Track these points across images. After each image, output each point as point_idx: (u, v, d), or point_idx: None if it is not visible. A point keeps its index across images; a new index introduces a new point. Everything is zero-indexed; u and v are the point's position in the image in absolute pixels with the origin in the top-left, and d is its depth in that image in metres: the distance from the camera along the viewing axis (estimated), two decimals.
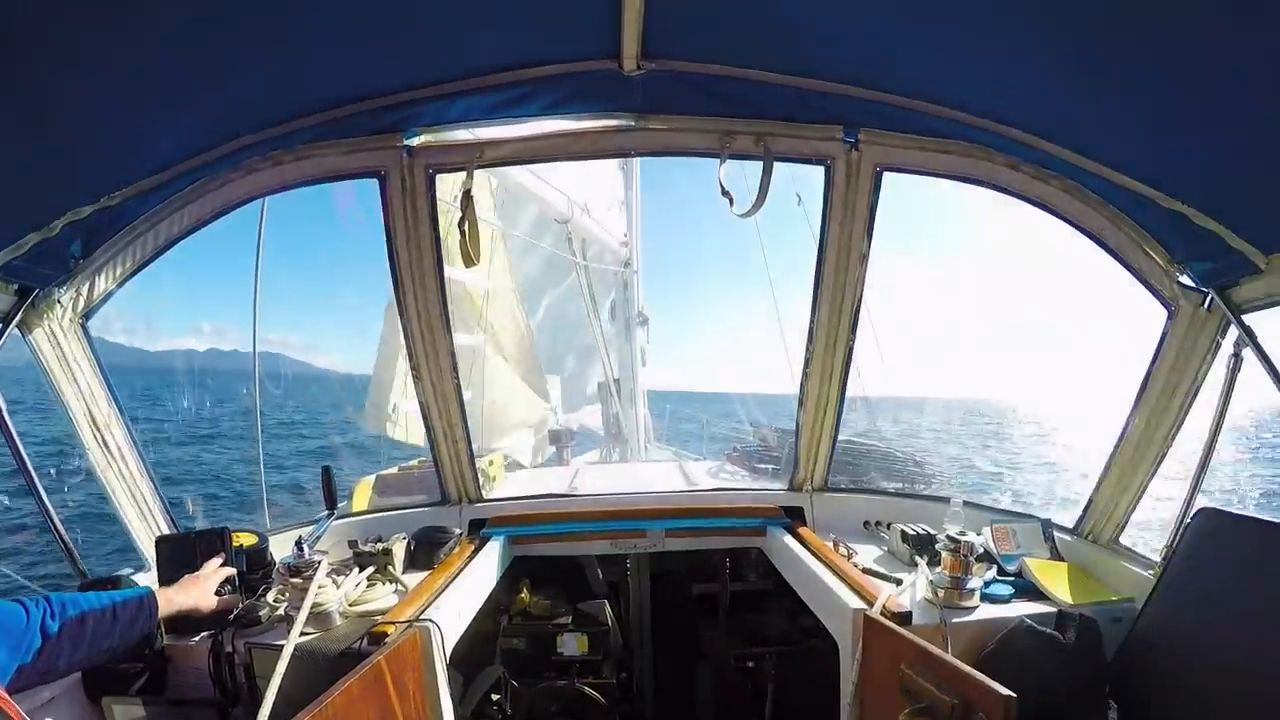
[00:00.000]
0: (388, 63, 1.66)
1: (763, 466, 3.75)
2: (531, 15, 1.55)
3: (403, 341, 2.44)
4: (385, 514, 2.71)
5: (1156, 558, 1.95)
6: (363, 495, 4.07)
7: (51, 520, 1.97)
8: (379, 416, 5.76)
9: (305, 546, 1.90)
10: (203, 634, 1.77)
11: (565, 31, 1.63)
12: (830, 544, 2.34)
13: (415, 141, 2.09)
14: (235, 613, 1.80)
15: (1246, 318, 1.83)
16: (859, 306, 2.37)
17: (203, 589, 1.75)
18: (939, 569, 1.92)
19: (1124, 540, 2.17)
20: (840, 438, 2.72)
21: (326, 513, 2.19)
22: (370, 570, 2.09)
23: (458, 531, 2.48)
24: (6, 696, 1.14)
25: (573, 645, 2.65)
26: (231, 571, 1.81)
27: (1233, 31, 1.12)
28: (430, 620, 1.71)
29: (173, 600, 1.66)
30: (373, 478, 4.27)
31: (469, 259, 2.15)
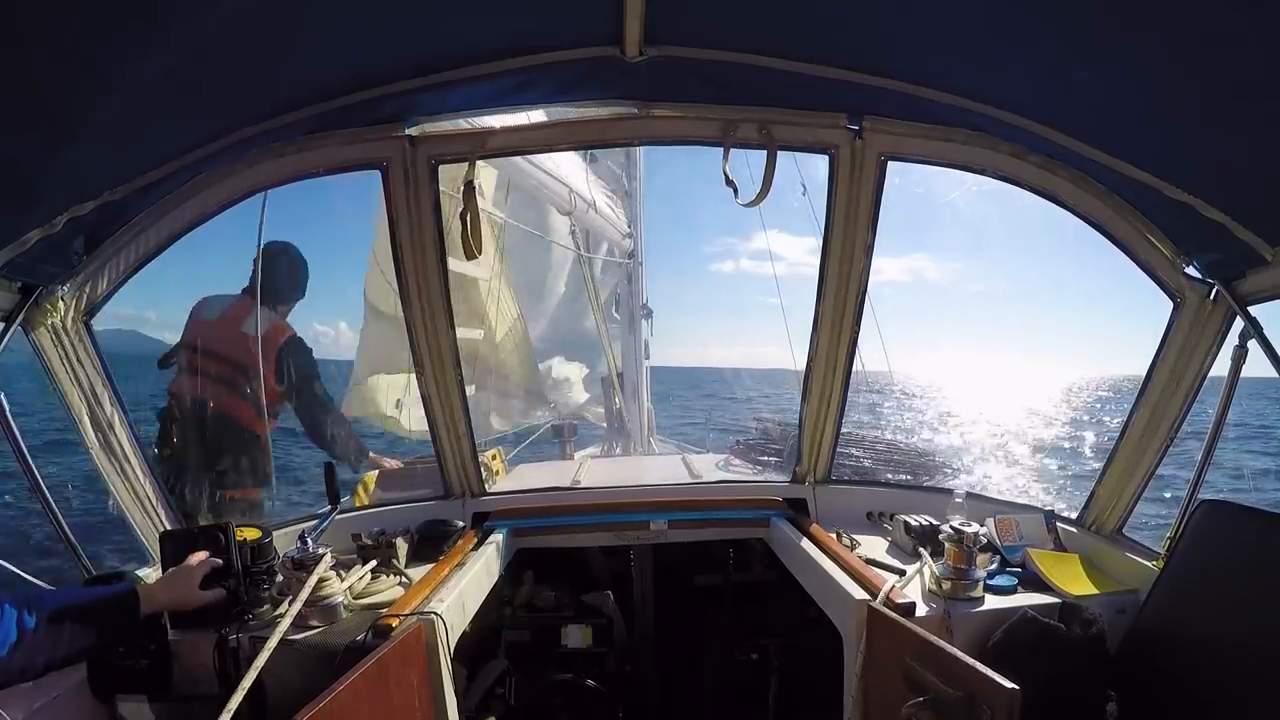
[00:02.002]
0: (387, 50, 1.65)
1: (766, 459, 3.75)
2: (533, 1, 1.53)
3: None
4: (388, 508, 2.71)
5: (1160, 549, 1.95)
6: (366, 490, 4.08)
7: (55, 517, 1.97)
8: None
9: (309, 540, 1.90)
10: (207, 629, 1.77)
11: (567, 17, 1.62)
12: (834, 536, 2.34)
13: (416, 131, 2.08)
14: (239, 607, 1.81)
15: (1252, 309, 1.83)
16: (863, 298, 2.35)
17: (187, 584, 1.70)
18: (943, 560, 1.92)
19: (1127, 531, 2.17)
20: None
21: (330, 507, 2.19)
22: (374, 563, 2.09)
23: (461, 525, 2.48)
24: None
25: (577, 637, 2.65)
26: (218, 562, 1.78)
27: (1244, 20, 1.11)
28: (434, 613, 1.72)
29: (156, 598, 1.63)
30: (375, 472, 4.28)
31: (470, 252, 2.14)
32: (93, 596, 1.56)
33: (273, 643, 1.50)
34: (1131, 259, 2.01)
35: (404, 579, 2.07)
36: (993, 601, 1.87)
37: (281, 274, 3.28)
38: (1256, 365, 1.88)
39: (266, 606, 1.87)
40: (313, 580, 1.78)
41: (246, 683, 1.37)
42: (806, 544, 2.27)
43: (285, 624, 1.60)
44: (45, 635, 1.39)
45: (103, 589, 1.62)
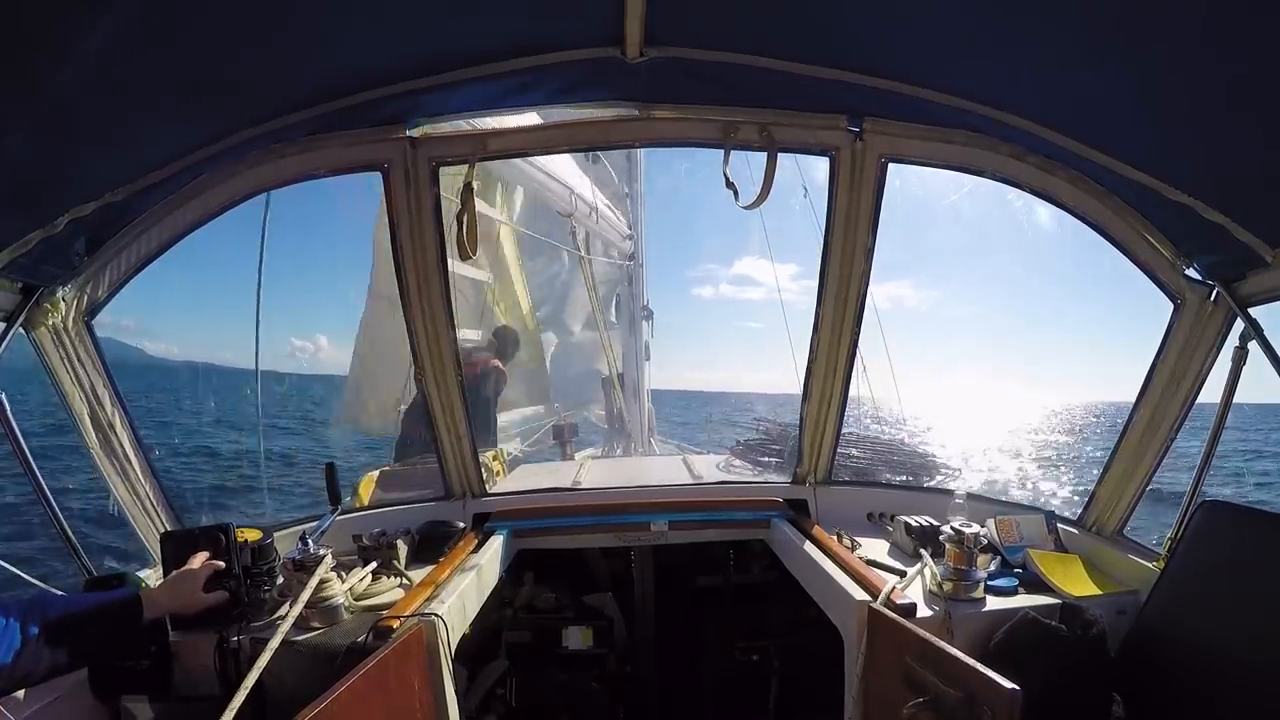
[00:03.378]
0: (388, 51, 1.65)
1: (766, 460, 3.75)
2: (534, 1, 1.54)
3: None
4: (389, 509, 2.71)
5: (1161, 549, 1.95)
6: (366, 491, 4.09)
7: (56, 518, 1.97)
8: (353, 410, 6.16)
9: (310, 541, 1.90)
10: (208, 630, 1.77)
11: (568, 18, 1.62)
12: (834, 537, 2.34)
13: (417, 133, 2.09)
14: (240, 608, 1.80)
15: (1253, 311, 1.83)
16: (864, 300, 2.36)
17: (190, 587, 1.70)
18: (943, 561, 1.92)
19: (1127, 532, 2.17)
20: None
21: (331, 508, 2.19)
22: (375, 564, 2.09)
23: (462, 526, 2.48)
24: None
25: (577, 638, 2.65)
26: (220, 565, 1.78)
27: (1244, 21, 1.11)
28: (435, 615, 1.72)
29: (159, 602, 1.63)
30: (376, 473, 4.28)
31: (465, 253, 2.15)
32: (96, 603, 1.56)
33: (275, 643, 1.50)
34: (1131, 260, 2.01)
35: (405, 580, 2.07)
36: (993, 602, 1.87)
37: (508, 344, 5.73)
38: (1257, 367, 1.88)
39: (269, 606, 1.87)
40: (314, 581, 1.78)
41: (249, 682, 1.37)
42: (807, 545, 2.27)
43: (287, 625, 1.60)
44: (49, 642, 1.39)
45: (106, 595, 1.62)
